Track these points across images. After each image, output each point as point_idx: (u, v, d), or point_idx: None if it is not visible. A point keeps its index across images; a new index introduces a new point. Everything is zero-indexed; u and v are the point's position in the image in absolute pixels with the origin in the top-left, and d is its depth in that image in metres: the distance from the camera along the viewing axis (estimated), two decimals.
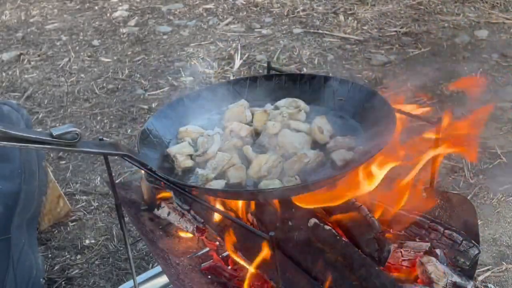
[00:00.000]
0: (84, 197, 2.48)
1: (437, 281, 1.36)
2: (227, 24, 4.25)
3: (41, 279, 1.96)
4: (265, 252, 1.34)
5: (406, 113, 1.49)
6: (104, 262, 2.14)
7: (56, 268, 2.13)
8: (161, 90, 3.37)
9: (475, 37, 3.75)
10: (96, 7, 4.76)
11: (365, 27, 4.00)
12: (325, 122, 1.48)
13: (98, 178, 2.59)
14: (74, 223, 2.33)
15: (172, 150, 1.45)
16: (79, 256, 2.17)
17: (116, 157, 1.31)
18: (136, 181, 1.76)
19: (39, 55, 3.96)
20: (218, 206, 1.52)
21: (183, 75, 3.52)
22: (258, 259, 1.38)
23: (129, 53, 3.90)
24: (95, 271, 2.10)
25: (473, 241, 1.43)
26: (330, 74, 3.35)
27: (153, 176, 1.35)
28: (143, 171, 1.39)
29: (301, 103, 1.58)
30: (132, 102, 3.25)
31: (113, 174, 1.58)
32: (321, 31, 3.99)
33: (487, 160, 2.54)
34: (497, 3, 4.20)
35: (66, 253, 2.19)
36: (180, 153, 1.44)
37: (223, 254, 1.66)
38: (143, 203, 1.71)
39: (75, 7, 4.83)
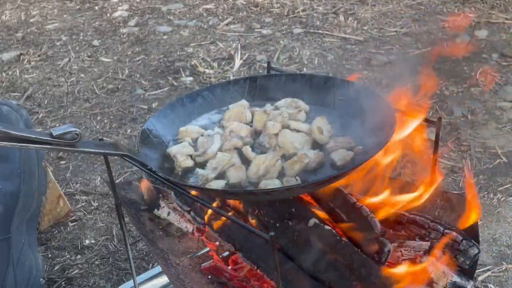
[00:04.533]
0: (84, 197, 2.48)
1: (437, 281, 1.36)
2: (227, 24, 4.25)
3: (41, 279, 1.96)
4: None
5: (406, 113, 1.49)
6: (104, 262, 2.14)
7: (56, 268, 2.13)
8: (161, 90, 3.37)
9: (475, 37, 3.75)
10: (96, 7, 4.76)
11: (365, 27, 4.00)
12: (325, 122, 1.48)
13: (98, 178, 2.59)
14: (74, 223, 2.33)
15: (172, 150, 1.45)
16: (79, 256, 2.17)
17: (116, 157, 1.31)
18: (136, 181, 1.76)
19: (39, 55, 3.96)
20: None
21: (183, 75, 3.52)
22: None
23: (129, 53, 3.90)
24: (95, 271, 2.10)
25: (473, 241, 1.43)
26: (330, 74, 3.35)
27: (153, 176, 1.35)
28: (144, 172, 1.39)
29: (301, 103, 1.58)
30: (132, 102, 3.25)
31: (113, 174, 1.58)
32: (321, 31, 3.99)
33: (487, 160, 2.54)
34: (497, 3, 4.20)
35: (66, 253, 2.19)
36: (180, 153, 1.44)
37: (223, 254, 1.66)
38: (143, 203, 1.71)
39: (75, 7, 4.83)
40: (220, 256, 1.64)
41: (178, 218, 1.64)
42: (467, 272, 1.42)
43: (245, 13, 4.42)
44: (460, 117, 2.85)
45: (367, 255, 1.39)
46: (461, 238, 1.44)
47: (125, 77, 3.56)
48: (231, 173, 1.36)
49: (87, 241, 2.24)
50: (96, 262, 2.14)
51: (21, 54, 3.97)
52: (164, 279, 1.83)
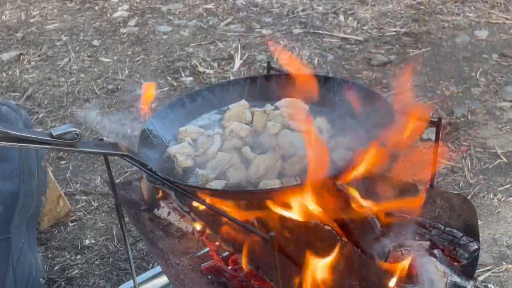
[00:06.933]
0: (84, 197, 2.48)
1: (437, 281, 1.36)
2: (227, 24, 4.25)
3: (41, 279, 1.96)
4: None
5: (406, 113, 1.48)
6: (104, 262, 2.14)
7: (56, 268, 2.13)
8: (161, 90, 3.37)
9: (475, 37, 3.75)
10: (96, 7, 4.76)
11: (365, 27, 4.00)
12: (325, 123, 1.48)
13: (98, 178, 2.59)
14: (74, 223, 2.33)
15: (172, 150, 1.45)
16: (79, 256, 2.17)
17: (116, 157, 1.31)
18: (136, 181, 1.76)
19: (39, 55, 3.95)
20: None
21: (183, 75, 3.52)
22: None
23: (129, 53, 3.90)
24: (95, 271, 2.10)
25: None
26: (330, 74, 3.35)
27: (153, 176, 1.35)
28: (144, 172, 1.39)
29: (301, 103, 1.58)
30: (132, 102, 3.25)
31: (113, 174, 1.57)
32: (321, 31, 3.99)
33: (487, 160, 2.54)
34: (497, 3, 4.20)
35: (66, 253, 2.19)
36: (180, 153, 1.44)
37: (223, 254, 1.66)
38: (143, 203, 1.71)
39: (75, 7, 4.82)
40: (220, 256, 1.64)
41: (178, 218, 1.64)
42: (467, 272, 1.42)
43: (245, 13, 4.42)
44: (460, 117, 2.85)
45: (367, 255, 1.38)
46: (461, 234, 1.44)
47: (125, 77, 3.56)
48: (231, 173, 1.36)
49: (87, 241, 2.24)
50: (96, 262, 2.14)
51: (21, 54, 3.97)
52: (164, 279, 1.83)
